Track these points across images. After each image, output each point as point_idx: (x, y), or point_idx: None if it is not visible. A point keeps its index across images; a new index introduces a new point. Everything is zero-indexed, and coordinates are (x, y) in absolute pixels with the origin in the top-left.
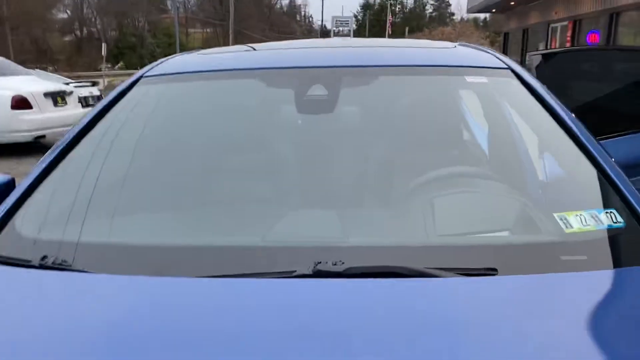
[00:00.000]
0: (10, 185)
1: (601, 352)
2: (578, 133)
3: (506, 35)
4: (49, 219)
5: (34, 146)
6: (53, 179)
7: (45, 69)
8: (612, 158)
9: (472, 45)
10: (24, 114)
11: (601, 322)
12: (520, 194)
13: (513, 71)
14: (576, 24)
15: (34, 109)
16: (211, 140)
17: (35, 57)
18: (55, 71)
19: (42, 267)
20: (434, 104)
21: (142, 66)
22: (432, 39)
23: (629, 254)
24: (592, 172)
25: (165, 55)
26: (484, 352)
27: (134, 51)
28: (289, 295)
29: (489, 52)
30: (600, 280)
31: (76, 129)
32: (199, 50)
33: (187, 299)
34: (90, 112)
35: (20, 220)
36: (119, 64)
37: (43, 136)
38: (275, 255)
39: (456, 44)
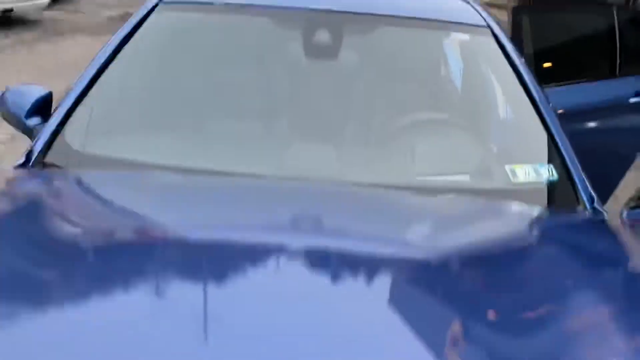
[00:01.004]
0: (48, 99)
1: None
2: (536, 95)
3: None
4: (97, 134)
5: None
6: (90, 100)
7: None
8: (559, 121)
9: None
10: None
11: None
12: (484, 143)
13: (491, 30)
14: None
15: None
16: (224, 73)
17: None
18: None
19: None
20: (420, 55)
21: None
22: None
23: (559, 201)
24: (542, 131)
25: None
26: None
27: None
28: None
29: (474, 8)
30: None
31: (101, 58)
32: None
33: None
34: (112, 40)
35: (70, 135)
36: None
37: (11, 9)
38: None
39: None
